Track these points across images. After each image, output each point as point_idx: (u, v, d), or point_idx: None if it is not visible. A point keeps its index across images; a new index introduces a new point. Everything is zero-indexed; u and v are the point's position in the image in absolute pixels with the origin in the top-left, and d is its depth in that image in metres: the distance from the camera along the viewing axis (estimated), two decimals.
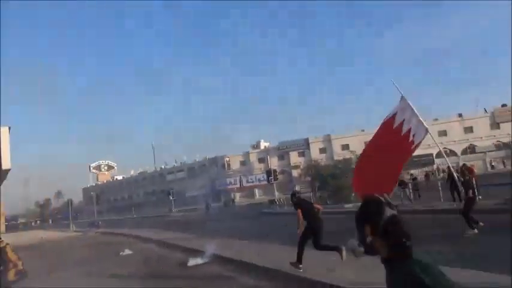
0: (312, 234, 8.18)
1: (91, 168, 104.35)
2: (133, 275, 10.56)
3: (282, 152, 72.29)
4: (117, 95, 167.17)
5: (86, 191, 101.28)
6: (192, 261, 10.99)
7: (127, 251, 15.64)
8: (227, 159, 76.01)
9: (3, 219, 32.70)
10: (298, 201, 8.58)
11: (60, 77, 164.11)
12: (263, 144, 77.16)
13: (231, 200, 61.56)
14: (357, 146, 49.67)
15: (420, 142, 4.99)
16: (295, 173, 66.60)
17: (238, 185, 72.45)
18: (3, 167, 11.23)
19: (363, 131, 67.46)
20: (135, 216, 60.44)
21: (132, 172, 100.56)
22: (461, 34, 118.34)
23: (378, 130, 5.57)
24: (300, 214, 8.28)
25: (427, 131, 4.99)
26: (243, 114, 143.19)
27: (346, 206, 23.36)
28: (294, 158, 70.92)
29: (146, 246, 17.47)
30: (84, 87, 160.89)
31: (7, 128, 12.04)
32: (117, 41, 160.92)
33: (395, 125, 5.17)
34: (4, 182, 13.93)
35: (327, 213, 21.68)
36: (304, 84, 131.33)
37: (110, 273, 11.18)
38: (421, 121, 4.99)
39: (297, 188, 56.38)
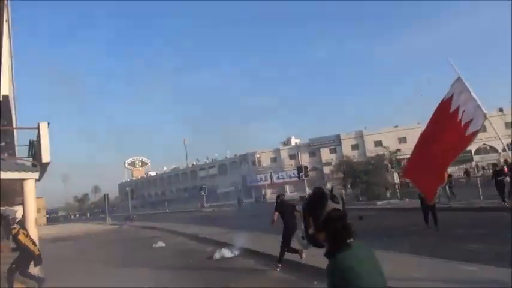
0: (288, 236, 8.62)
1: (126, 165, 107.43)
2: (166, 267, 10.78)
3: (313, 148, 71.66)
4: (150, 93, 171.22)
5: (121, 186, 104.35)
6: (218, 254, 11.17)
7: (160, 244, 15.97)
8: (258, 155, 76.18)
9: (44, 212, 34.31)
10: (278, 204, 9.16)
11: (96, 76, 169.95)
12: (294, 141, 76.75)
13: (262, 196, 61.67)
14: (390, 143, 48.51)
15: (478, 131, 4.51)
16: (326, 169, 65.93)
17: (269, 182, 72.51)
18: (43, 160, 11.69)
19: (396, 127, 65.82)
20: (167, 211, 61.63)
21: (165, 168, 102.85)
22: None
23: (434, 113, 5.07)
24: (275, 215, 8.95)
25: (485, 117, 4.49)
26: (273, 111, 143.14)
27: (379, 203, 22.86)
28: (325, 154, 70.15)
29: (178, 239, 17.79)
30: (120, 86, 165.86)
31: (46, 123, 12.52)
32: (148, 40, 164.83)
33: (451, 109, 4.71)
34: (45, 176, 14.53)
35: (359, 210, 21.45)
36: (336, 79, 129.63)
37: (144, 264, 11.45)
38: (479, 106, 4.49)
39: (328, 186, 55.63)
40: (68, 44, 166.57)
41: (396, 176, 29.68)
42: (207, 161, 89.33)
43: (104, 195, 46.28)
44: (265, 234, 14.23)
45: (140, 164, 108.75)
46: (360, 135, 68.62)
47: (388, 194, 25.10)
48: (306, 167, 38.16)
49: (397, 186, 26.82)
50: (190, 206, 59.98)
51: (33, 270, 9.47)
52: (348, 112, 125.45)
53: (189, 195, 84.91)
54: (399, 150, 33.23)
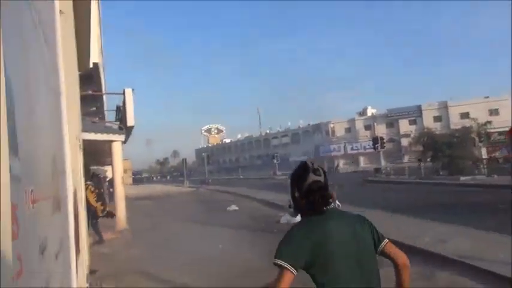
0: None
1: (202, 131, 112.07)
2: (239, 227, 11.24)
3: (391, 119, 68.23)
4: (228, 63, 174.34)
5: (198, 151, 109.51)
6: (284, 219, 11.40)
7: (233, 207, 16.65)
8: (332, 125, 74.65)
9: (130, 173, 37.32)
10: None
11: (176, 46, 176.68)
12: (370, 111, 73.66)
13: (335, 167, 60.87)
14: (480, 114, 44.31)
15: None
16: (404, 141, 62.75)
17: (342, 152, 71.07)
18: (128, 124, 12.63)
19: (487, 97, 60.00)
20: (241, 177, 63.63)
21: (239, 136, 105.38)
22: None
23: None
24: None
25: None
26: (349, 79, 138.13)
27: (462, 178, 21.31)
28: (404, 126, 66.48)
29: (251, 204, 18.36)
30: (198, 55, 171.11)
31: (130, 89, 13.42)
32: (226, 9, 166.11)
33: None
34: (130, 140, 15.72)
35: (440, 185, 20.26)
36: (417, 46, 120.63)
37: (218, 224, 12.07)
38: None
39: (406, 158, 53.03)
40: (150, 15, 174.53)
41: (484, 150, 27.33)
42: (280, 130, 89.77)
43: (183, 159, 48.91)
44: (345, 206, 14.23)
45: (216, 131, 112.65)
46: (443, 106, 63.74)
47: (479, 169, 23.26)
48: (382, 138, 36.69)
49: (484, 161, 24.74)
50: (262, 173, 61.24)
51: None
52: (430, 82, 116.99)
53: (261, 162, 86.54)
54: (489, 122, 30.34)
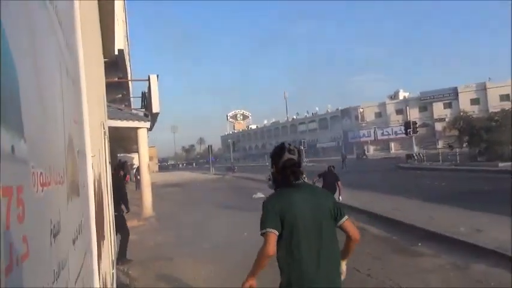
0: None
1: (228, 118, 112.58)
2: None
3: (424, 102, 66.28)
4: (253, 48, 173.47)
5: (223, 138, 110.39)
6: (257, 195, 11.58)
7: (259, 194, 16.70)
8: (361, 110, 73.34)
9: (156, 160, 38.04)
10: (325, 172, 10.50)
11: (202, 32, 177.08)
12: (402, 94, 71.76)
13: (363, 152, 59.90)
14: None
15: None
16: (438, 126, 61.00)
17: (372, 138, 69.92)
18: (154, 110, 12.84)
19: None
20: (267, 164, 63.79)
21: (265, 122, 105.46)
22: None
23: None
24: (315, 178, 10.29)
25: None
26: (379, 62, 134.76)
27: (501, 164, 20.54)
28: (438, 109, 64.49)
29: None
30: (225, 40, 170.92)
31: (155, 76, 13.58)
32: None
33: None
34: (156, 127, 16.00)
35: (477, 171, 19.63)
36: (453, 23, 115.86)
37: (244, 211, 12.17)
38: None
39: (440, 144, 51.62)
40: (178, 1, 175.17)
41: None
42: (307, 115, 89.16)
43: (208, 146, 49.31)
44: (365, 192, 14.09)
45: (241, 117, 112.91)
46: (482, 88, 61.30)
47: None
48: (414, 123, 35.79)
49: None
50: None
51: None
52: (467, 63, 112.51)
53: None
54: None
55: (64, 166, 0.98)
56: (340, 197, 10.29)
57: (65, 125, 1.05)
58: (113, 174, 7.69)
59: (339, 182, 10.41)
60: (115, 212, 6.94)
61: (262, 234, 2.34)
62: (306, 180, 2.55)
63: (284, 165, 2.45)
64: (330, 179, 10.45)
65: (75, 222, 1.14)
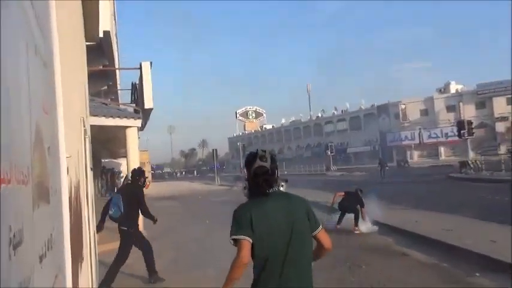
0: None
1: (237, 115, 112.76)
2: None
3: (482, 97, 65.44)
4: (267, 32, 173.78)
5: (232, 141, 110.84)
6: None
7: None
8: (402, 106, 72.87)
9: (148, 167, 38.01)
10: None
11: (208, 11, 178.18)
12: (454, 87, 70.97)
13: (404, 160, 59.45)
14: None
15: None
16: (500, 126, 60.23)
17: (416, 141, 69.41)
18: (146, 105, 12.90)
19: None
20: (285, 173, 63.81)
21: (283, 121, 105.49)
22: None
23: None
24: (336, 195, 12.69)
25: None
26: (426, 47, 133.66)
27: None
28: (500, 106, 63.53)
29: None
30: (232, 22, 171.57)
31: (148, 63, 13.66)
32: None
33: None
34: (149, 128, 16.09)
35: None
36: None
37: None
38: None
39: (503, 149, 50.92)
40: None
41: None
42: (336, 113, 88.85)
43: (213, 150, 49.36)
44: (421, 210, 14.07)
45: (254, 114, 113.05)
46: None
47: None
48: (470, 123, 35.34)
49: None
50: (312, 168, 60.95)
51: None
52: None
53: (311, 154, 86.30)
54: None
55: (29, 162, 0.97)
56: (364, 221, 11.79)
57: (31, 112, 1.04)
58: (128, 185, 8.16)
59: (363, 209, 11.70)
60: (123, 226, 7.48)
61: (235, 243, 2.73)
62: (283, 188, 3.20)
63: (255, 173, 2.86)
64: (352, 202, 11.88)
65: (43, 234, 1.13)
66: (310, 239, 2.86)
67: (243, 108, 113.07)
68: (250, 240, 2.68)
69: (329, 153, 58.79)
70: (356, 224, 11.71)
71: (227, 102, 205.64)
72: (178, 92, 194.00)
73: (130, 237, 7.64)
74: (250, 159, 2.93)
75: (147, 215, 8.00)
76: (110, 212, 7.49)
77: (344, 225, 12.00)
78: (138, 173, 8.12)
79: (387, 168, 36.37)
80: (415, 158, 68.07)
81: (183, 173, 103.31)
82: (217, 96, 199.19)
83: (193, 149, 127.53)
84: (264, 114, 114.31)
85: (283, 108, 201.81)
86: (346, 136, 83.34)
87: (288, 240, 2.72)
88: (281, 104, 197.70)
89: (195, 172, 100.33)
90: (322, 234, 2.90)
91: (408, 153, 68.44)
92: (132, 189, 7.78)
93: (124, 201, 7.49)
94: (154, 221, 8.15)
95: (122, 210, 7.46)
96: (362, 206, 11.73)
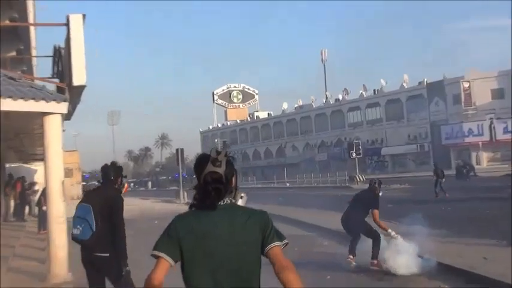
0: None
1: (215, 98, 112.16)
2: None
3: None
4: None
5: (206, 136, 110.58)
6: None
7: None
8: (465, 84, 72.97)
9: (78, 176, 37.16)
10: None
11: None
12: None
13: (468, 165, 58.57)
14: None
15: None
16: None
17: (486, 137, 69.41)
18: (75, 81, 12.73)
19: None
20: (287, 184, 63.68)
21: (284, 106, 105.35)
22: None
23: None
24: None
25: None
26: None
27: None
28: None
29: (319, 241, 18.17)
30: None
31: (80, 16, 13.51)
32: None
33: None
34: (81, 116, 15.94)
35: None
36: None
37: None
38: None
39: None
40: None
41: None
42: (365, 94, 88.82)
43: (177, 150, 48.84)
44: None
45: (240, 96, 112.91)
46: None
47: None
48: None
49: None
50: (329, 177, 60.85)
51: None
52: None
53: (327, 156, 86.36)
54: None
55: None
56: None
57: None
58: (99, 189, 7.39)
59: (376, 212, 11.85)
60: (99, 252, 6.87)
61: (153, 256, 3.12)
62: (242, 201, 3.44)
63: (205, 180, 3.17)
64: (360, 210, 12.08)
65: None
66: (256, 277, 3.16)
67: (224, 87, 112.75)
68: (170, 262, 3.07)
69: (354, 155, 58.77)
70: (375, 256, 11.54)
71: (202, 79, 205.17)
72: (126, 62, 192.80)
73: (118, 272, 7.05)
74: (200, 162, 3.25)
75: (121, 242, 7.22)
76: (75, 232, 6.89)
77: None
78: (114, 170, 7.60)
79: (443, 180, 36.30)
80: (483, 162, 68.17)
81: (132, 184, 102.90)
82: (187, 71, 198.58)
83: (148, 149, 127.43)
84: (256, 96, 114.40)
85: (285, 88, 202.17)
86: (380, 129, 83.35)
87: (232, 269, 3.06)
88: (282, 81, 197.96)
89: (150, 184, 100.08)
90: (277, 251, 3.15)
91: (474, 155, 68.55)
92: (106, 195, 7.14)
93: (97, 214, 6.84)
94: (126, 266, 7.21)
95: (94, 229, 6.79)
96: (375, 207, 11.72)
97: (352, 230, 12.00)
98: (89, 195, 7.79)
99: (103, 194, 7.20)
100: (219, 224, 3.12)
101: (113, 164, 7.62)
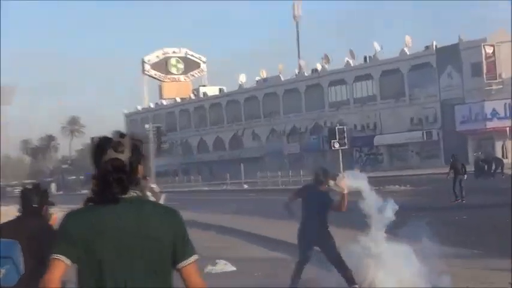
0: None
1: (146, 68, 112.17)
2: None
3: None
4: None
5: (133, 120, 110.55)
6: None
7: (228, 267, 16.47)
8: (488, 50, 73.73)
9: None
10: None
11: None
12: None
13: (490, 157, 58.89)
14: None
15: None
16: None
17: None
18: None
19: None
20: (246, 186, 63.84)
21: (242, 80, 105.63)
22: None
23: None
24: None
25: None
26: None
27: None
28: None
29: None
30: None
31: None
32: None
33: None
34: None
35: None
36: None
37: None
38: None
39: None
40: None
41: None
42: (352, 63, 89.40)
43: (91, 139, 49.00)
44: None
45: (181, 66, 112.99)
46: None
47: None
48: None
49: None
50: (302, 175, 61.12)
51: None
52: None
53: (300, 148, 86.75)
54: None
55: None
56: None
57: None
58: (24, 220, 7.18)
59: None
60: None
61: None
62: (152, 195, 4.11)
63: (105, 168, 3.37)
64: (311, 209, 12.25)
65: None
66: (169, 275, 3.46)
67: (159, 53, 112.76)
68: (67, 262, 3.29)
69: (337, 146, 58.74)
70: (350, 279, 11.66)
71: (128, 40, 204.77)
72: (23, 17, 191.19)
73: None
74: (100, 148, 3.46)
75: None
76: None
77: None
78: (38, 195, 7.48)
79: (465, 177, 36.39)
80: (509, 156, 68.61)
81: (15, 190, 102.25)
82: (106, 27, 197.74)
83: (52, 138, 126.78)
84: (204, 66, 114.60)
85: (242, 55, 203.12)
86: (372, 111, 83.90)
87: (136, 273, 3.29)
88: (238, 45, 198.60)
89: (55, 186, 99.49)
90: (192, 270, 3.46)
91: (499, 145, 69.22)
92: (32, 228, 6.96)
93: (25, 252, 6.76)
94: None
95: (22, 271, 6.74)
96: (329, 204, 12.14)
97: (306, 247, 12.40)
98: (9, 228, 7.49)
99: (28, 225, 7.03)
100: (123, 215, 3.30)
101: (36, 187, 7.58)
